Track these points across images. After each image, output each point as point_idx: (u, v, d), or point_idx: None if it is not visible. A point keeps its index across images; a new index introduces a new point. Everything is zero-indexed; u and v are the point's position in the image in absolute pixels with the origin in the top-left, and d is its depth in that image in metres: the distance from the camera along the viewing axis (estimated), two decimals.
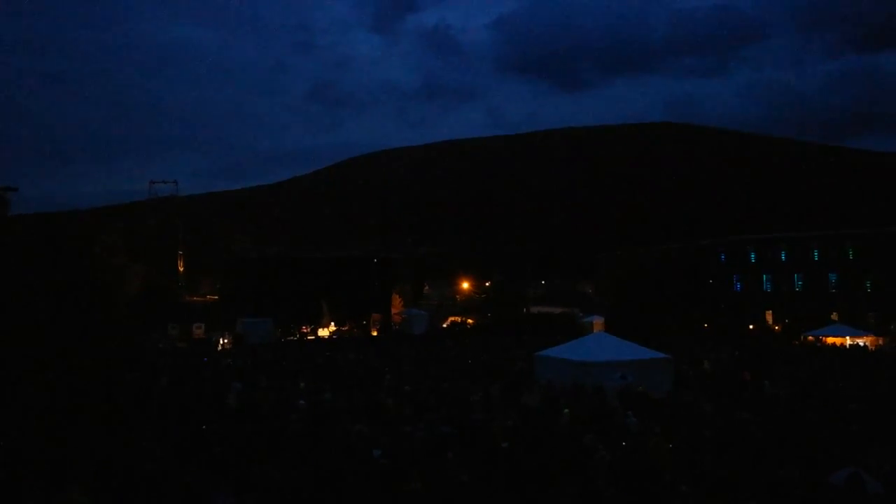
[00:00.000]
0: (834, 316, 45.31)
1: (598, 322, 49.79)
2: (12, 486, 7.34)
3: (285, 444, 9.81)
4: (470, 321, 57.06)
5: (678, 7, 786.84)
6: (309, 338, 47.27)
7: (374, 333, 50.24)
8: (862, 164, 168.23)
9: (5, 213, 15.09)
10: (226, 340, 40.94)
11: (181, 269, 55.31)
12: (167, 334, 41.00)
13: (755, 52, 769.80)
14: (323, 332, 48.95)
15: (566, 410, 12.86)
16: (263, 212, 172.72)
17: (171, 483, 7.70)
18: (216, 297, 57.46)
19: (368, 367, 23.61)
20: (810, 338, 39.37)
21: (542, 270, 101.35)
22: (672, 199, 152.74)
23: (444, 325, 55.88)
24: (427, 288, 71.00)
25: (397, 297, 59.98)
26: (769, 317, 52.60)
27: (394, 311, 57.18)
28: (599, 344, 19.32)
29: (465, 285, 78.89)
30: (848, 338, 37.90)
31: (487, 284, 74.61)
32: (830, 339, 38.24)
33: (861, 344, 36.99)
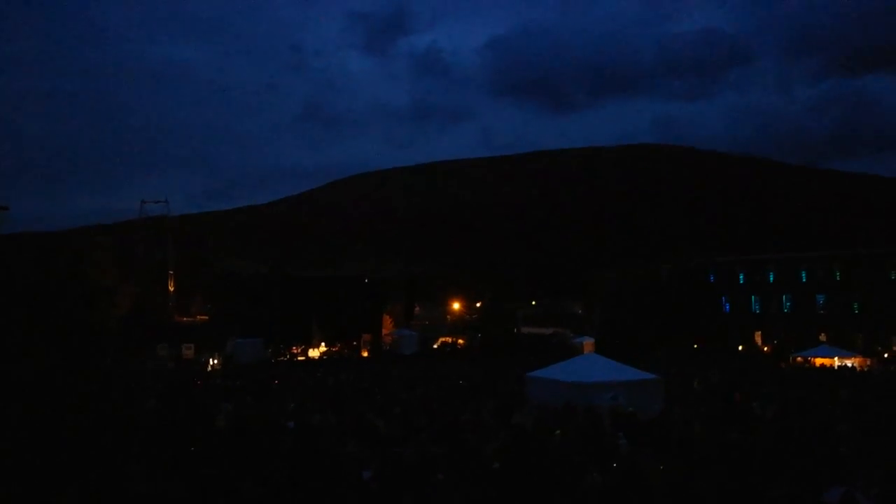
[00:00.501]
0: (822, 337, 45.71)
1: (588, 343, 49.88)
2: None
3: (275, 465, 9.71)
4: (461, 342, 56.87)
5: (665, 31, 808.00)
6: (299, 358, 46.88)
7: (365, 354, 49.93)
8: (846, 186, 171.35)
9: None
10: (216, 361, 40.52)
11: (171, 289, 54.86)
12: (157, 354, 40.53)
13: (741, 76, 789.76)
14: (313, 353, 48.58)
15: (557, 431, 12.85)
16: (255, 231, 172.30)
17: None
18: (206, 318, 57.02)
19: (358, 387, 23.45)
20: (799, 358, 39.63)
21: (532, 291, 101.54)
22: (662, 220, 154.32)
23: (435, 346, 55.64)
24: (418, 309, 70.82)
25: (388, 317, 59.80)
26: (758, 337, 52.94)
27: (384, 331, 56.95)
28: (590, 365, 19.35)
29: (456, 306, 78.80)
30: (836, 358, 38.18)
31: (478, 305, 74.57)
32: (819, 360, 38.50)
33: (849, 365, 37.27)
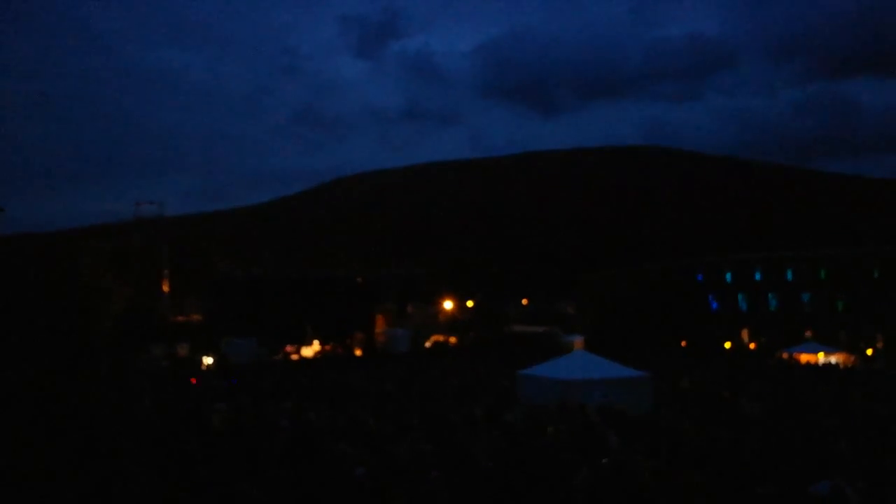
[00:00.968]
0: (808, 334, 46.35)
1: (578, 341, 50.18)
2: None
3: (268, 463, 9.79)
4: (452, 340, 56.99)
5: (653, 36, 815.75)
6: (293, 357, 46.91)
7: (358, 353, 49.98)
8: (830, 186, 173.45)
9: None
10: (210, 361, 40.48)
11: (166, 289, 54.60)
12: (151, 355, 40.44)
13: (727, 79, 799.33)
14: (307, 352, 48.58)
15: (549, 429, 13.01)
16: (248, 232, 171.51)
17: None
18: (201, 318, 56.89)
19: (351, 386, 23.52)
20: (784, 355, 40.20)
21: (523, 290, 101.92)
22: (650, 221, 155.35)
23: (428, 345, 55.76)
24: (410, 307, 70.89)
25: (381, 316, 59.82)
26: (745, 335, 53.55)
27: (377, 330, 57.00)
28: (580, 362, 19.56)
29: (448, 305, 79.01)
30: (822, 353, 38.84)
31: (470, 304, 74.77)
32: (804, 357, 39.10)
33: (833, 362, 37.89)
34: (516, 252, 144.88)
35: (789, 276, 52.59)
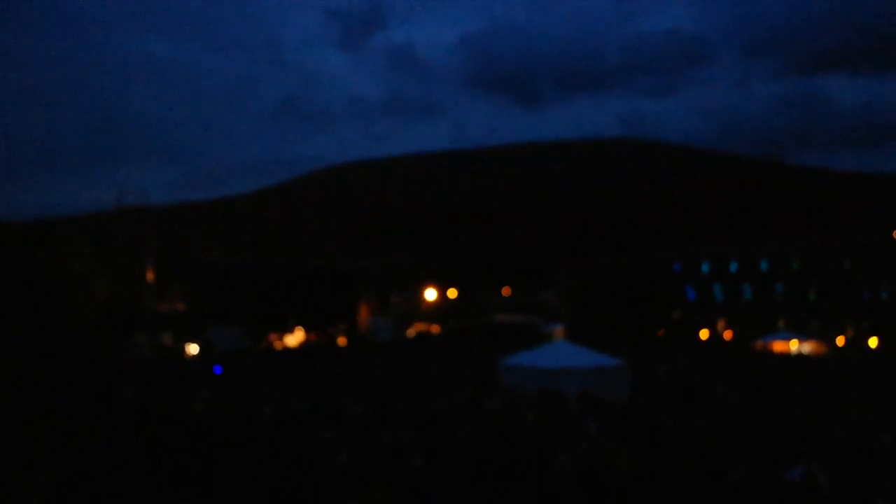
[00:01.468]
0: (781, 323, 47.54)
1: (559, 330, 50.77)
2: None
3: (251, 450, 9.83)
4: (435, 329, 57.25)
5: (631, 31, 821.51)
6: (277, 346, 46.78)
7: (342, 342, 49.95)
8: (803, 179, 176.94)
9: None
10: (194, 349, 40.19)
11: (149, 278, 53.95)
12: (135, 343, 39.98)
13: (704, 74, 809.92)
14: (290, 341, 48.47)
15: (529, 416, 13.23)
16: (232, 222, 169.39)
17: (136, 491, 7.67)
18: (185, 307, 56.42)
19: (335, 374, 23.55)
20: (759, 344, 41.20)
21: (504, 280, 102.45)
22: (628, 212, 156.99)
23: (410, 334, 55.93)
24: (393, 297, 70.94)
25: (364, 306, 59.79)
26: (721, 325, 54.70)
27: (360, 319, 57.01)
28: (561, 351, 19.82)
29: (430, 295, 79.18)
30: (795, 341, 39.92)
31: (451, 294, 75.02)
32: (778, 346, 40.13)
33: (805, 352, 38.96)
34: (498, 242, 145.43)
35: (764, 266, 53.76)
